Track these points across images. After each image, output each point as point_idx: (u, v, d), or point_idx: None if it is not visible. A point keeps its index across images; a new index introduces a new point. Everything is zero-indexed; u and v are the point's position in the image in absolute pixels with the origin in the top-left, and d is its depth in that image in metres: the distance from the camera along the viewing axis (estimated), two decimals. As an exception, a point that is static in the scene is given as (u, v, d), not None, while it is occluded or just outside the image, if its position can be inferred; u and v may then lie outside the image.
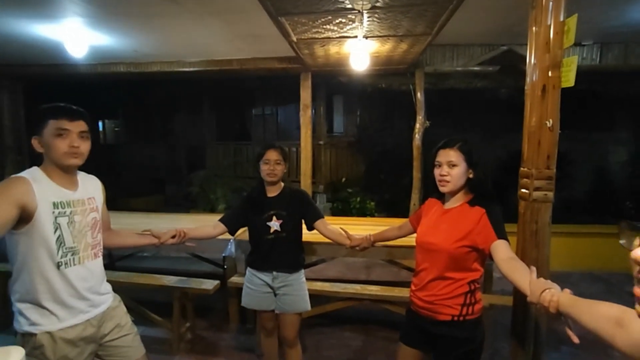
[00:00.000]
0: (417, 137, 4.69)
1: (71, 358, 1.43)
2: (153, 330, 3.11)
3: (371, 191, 6.74)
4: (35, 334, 1.37)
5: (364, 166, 7.55)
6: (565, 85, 1.44)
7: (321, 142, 7.55)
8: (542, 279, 1.19)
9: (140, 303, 3.07)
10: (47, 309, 1.40)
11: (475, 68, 4.66)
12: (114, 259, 4.52)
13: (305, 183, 4.84)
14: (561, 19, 1.44)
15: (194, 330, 3.13)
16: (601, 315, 0.85)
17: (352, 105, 8.23)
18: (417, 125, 4.67)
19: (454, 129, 6.11)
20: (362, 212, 6.20)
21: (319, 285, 3.02)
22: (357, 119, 8.16)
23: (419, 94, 4.66)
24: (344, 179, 7.21)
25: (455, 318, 1.55)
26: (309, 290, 2.29)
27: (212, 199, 6.59)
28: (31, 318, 1.38)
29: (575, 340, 1.03)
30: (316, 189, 7.06)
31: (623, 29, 3.99)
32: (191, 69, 4.74)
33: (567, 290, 1.09)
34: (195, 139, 9.54)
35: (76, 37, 3.38)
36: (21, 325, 1.38)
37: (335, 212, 6.49)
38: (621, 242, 0.53)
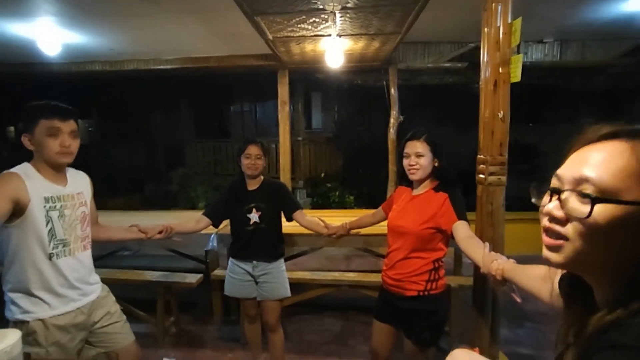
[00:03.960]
0: (392, 132, 4.87)
1: (63, 344, 1.51)
2: (137, 325, 3.12)
3: (350, 185, 6.90)
4: (27, 322, 1.44)
5: (343, 161, 7.71)
6: (513, 80, 1.60)
7: (300, 138, 7.67)
8: (492, 253, 1.36)
9: (123, 300, 3.11)
10: (39, 298, 1.47)
11: (446, 64, 4.87)
12: (93, 259, 4.50)
13: (285, 178, 4.94)
14: (509, 21, 1.61)
15: (179, 324, 3.19)
16: (532, 274, 1.02)
17: (330, 102, 8.37)
18: (392, 120, 4.84)
19: (427, 124, 6.32)
20: (342, 206, 6.35)
21: (300, 274, 3.15)
22: (335, 115, 8.31)
23: (392, 90, 4.83)
24: (323, 174, 7.35)
25: (421, 293, 1.71)
26: (290, 279, 2.41)
27: (192, 196, 6.60)
28: (23, 306, 1.45)
29: (519, 300, 1.20)
30: (296, 185, 7.17)
31: (579, 28, 4.27)
32: (168, 67, 4.76)
33: (511, 260, 1.26)
34: (173, 138, 9.46)
35: (49, 36, 3.36)
36: (13, 313, 1.45)
37: (315, 207, 6.62)
38: (533, 200, 0.66)
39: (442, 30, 4.25)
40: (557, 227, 0.57)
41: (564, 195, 0.57)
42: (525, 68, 4.80)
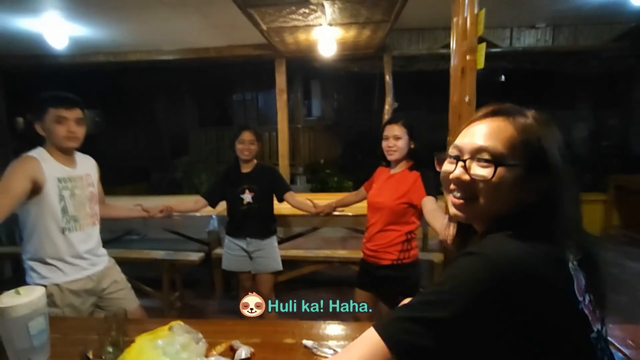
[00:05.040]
0: (387, 118, 4.99)
1: (76, 306, 1.72)
2: (145, 300, 3.37)
3: (348, 171, 7.06)
4: (45, 286, 1.63)
5: (341, 147, 7.85)
6: (478, 67, 1.75)
7: (299, 126, 7.81)
8: (450, 223, 1.52)
9: (132, 278, 3.34)
10: (54, 266, 1.68)
11: (440, 51, 4.95)
12: (103, 242, 4.74)
13: (283, 165, 5.11)
14: (475, 12, 1.74)
15: (183, 299, 3.42)
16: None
17: (328, 89, 8.47)
18: (386, 107, 4.97)
19: (423, 109, 6.43)
20: (340, 191, 6.52)
21: (294, 252, 3.36)
22: (334, 102, 8.42)
23: (387, 77, 4.94)
24: (322, 161, 7.51)
25: (394, 262, 1.90)
26: (286, 257, 2.62)
27: (196, 183, 6.81)
28: (41, 273, 1.66)
29: None
30: (295, 171, 7.34)
31: (571, 13, 4.32)
32: (170, 58, 4.91)
33: None
34: (177, 126, 9.63)
35: (56, 30, 3.52)
36: (33, 279, 1.66)
37: (315, 192, 6.79)
38: (437, 168, 0.82)
39: (435, 16, 4.31)
40: (464, 189, 0.71)
41: (467, 163, 0.71)
42: (518, 53, 4.89)
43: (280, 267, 2.55)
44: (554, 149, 0.67)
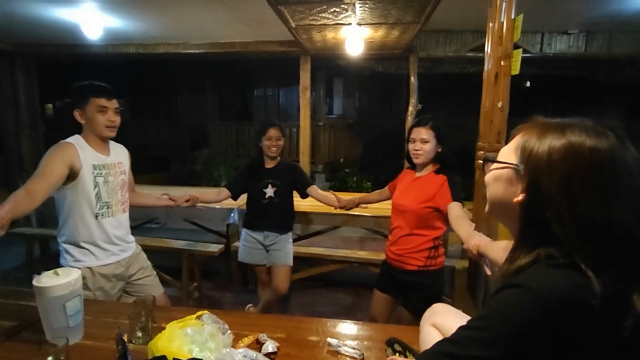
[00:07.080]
0: (410, 120, 4.95)
1: (106, 290, 1.78)
2: (164, 289, 3.47)
3: (368, 171, 7.03)
4: (79, 269, 1.71)
5: (362, 147, 7.82)
6: (512, 72, 1.72)
7: (320, 124, 7.82)
8: (475, 232, 1.50)
9: (152, 266, 3.43)
10: (87, 250, 1.74)
11: (467, 54, 4.88)
12: (125, 229, 4.86)
13: (304, 162, 5.14)
14: (512, 17, 1.71)
15: (201, 289, 3.48)
16: (499, 247, 1.17)
17: (351, 88, 8.45)
18: (410, 108, 4.93)
19: (447, 112, 6.34)
20: (359, 191, 6.52)
21: (314, 249, 3.37)
22: (356, 101, 8.39)
23: (412, 78, 4.90)
24: (342, 159, 7.50)
25: (420, 268, 1.87)
26: (306, 254, 2.64)
27: (215, 175, 6.91)
28: (75, 255, 1.72)
29: (488, 272, 1.35)
30: (315, 169, 7.36)
31: (606, 19, 4.20)
32: (196, 51, 4.98)
33: (488, 238, 1.41)
34: (198, 119, 9.78)
35: (92, 20, 3.62)
36: (67, 261, 1.72)
37: (334, 190, 6.81)
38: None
39: (463, 19, 4.26)
40: None
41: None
42: (549, 59, 4.78)
43: (290, 262, 2.57)
44: None
